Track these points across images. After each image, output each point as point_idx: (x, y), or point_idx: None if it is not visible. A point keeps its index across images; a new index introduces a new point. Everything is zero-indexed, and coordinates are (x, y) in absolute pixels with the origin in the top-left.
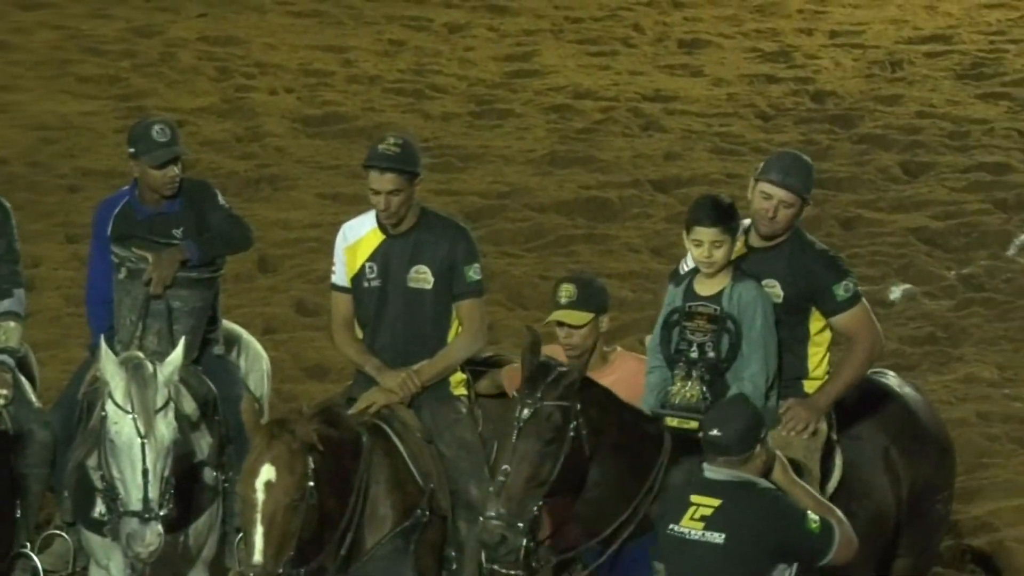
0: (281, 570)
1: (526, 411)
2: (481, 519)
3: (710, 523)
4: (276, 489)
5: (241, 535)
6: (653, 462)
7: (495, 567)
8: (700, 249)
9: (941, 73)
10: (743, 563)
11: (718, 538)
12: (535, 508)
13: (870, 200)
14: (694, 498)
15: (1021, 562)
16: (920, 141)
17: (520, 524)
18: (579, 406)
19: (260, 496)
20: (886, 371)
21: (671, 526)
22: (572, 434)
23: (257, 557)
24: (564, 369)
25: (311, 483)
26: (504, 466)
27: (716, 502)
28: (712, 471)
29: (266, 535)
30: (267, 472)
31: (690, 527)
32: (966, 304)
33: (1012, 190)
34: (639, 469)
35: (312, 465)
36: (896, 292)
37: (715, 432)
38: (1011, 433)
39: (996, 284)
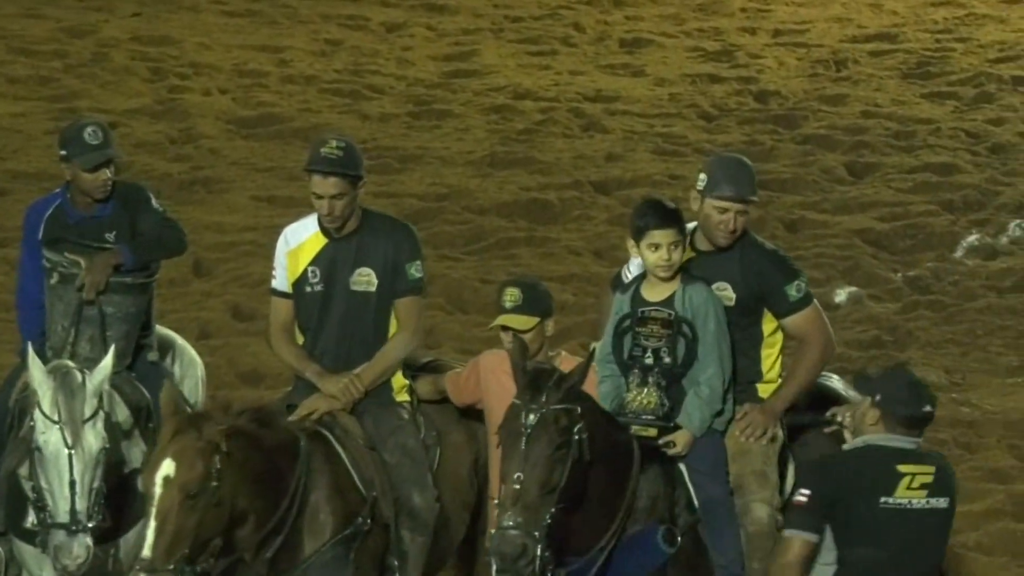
0: (172, 566)
1: (532, 416)
2: (493, 530)
3: (934, 490)
4: (173, 484)
5: None
6: (627, 472)
7: None
8: (658, 253)
9: (886, 72)
10: (952, 524)
11: (943, 503)
12: (548, 517)
13: (814, 201)
14: (903, 468)
15: (972, 570)
16: (865, 141)
17: (536, 533)
18: (580, 410)
19: (157, 490)
20: (830, 375)
21: (883, 500)
22: (577, 438)
23: (146, 552)
24: (564, 373)
25: (215, 483)
26: (516, 474)
27: (931, 469)
28: (908, 441)
29: (158, 530)
30: (166, 467)
31: (911, 496)
32: (912, 307)
33: (959, 191)
34: (617, 480)
35: (218, 464)
36: (841, 295)
37: (928, 408)
38: (959, 438)
39: (943, 286)
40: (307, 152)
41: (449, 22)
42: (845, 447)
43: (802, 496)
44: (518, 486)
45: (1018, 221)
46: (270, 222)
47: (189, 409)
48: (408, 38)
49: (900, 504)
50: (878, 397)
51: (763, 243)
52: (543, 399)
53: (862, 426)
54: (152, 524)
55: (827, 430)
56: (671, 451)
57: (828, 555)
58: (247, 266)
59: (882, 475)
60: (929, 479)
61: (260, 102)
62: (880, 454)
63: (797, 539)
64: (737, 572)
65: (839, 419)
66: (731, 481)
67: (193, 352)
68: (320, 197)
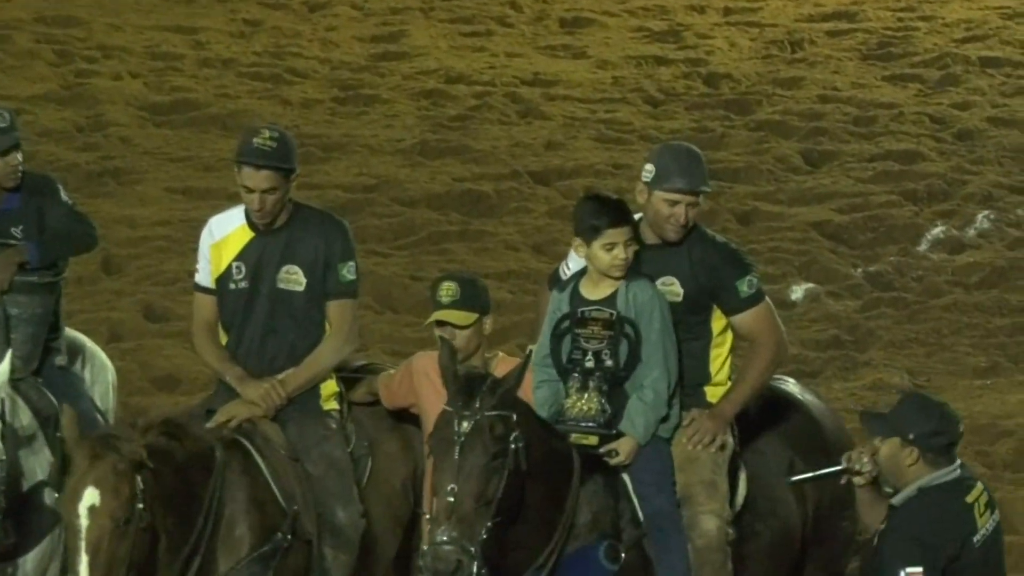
0: None
1: (465, 424)
2: (427, 546)
3: (990, 504)
4: (101, 513)
5: None
6: (567, 484)
7: None
8: (614, 252)
9: (845, 53)
10: None
11: (997, 517)
12: (484, 531)
13: (769, 192)
14: (969, 499)
15: None
16: (822, 128)
17: (472, 548)
18: (515, 416)
19: (84, 522)
20: (786, 378)
21: (975, 539)
22: (513, 447)
23: None
24: (497, 377)
25: (140, 505)
26: (450, 485)
27: (979, 484)
28: (954, 469)
29: (92, 563)
30: (90, 496)
31: (984, 522)
32: (873, 304)
33: (922, 180)
34: (555, 492)
35: (141, 485)
36: (797, 292)
37: (962, 428)
38: None
39: (906, 282)
40: (237, 142)
41: (376, 1)
42: (896, 501)
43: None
44: (452, 499)
45: (986, 212)
46: (185, 215)
47: (100, 418)
48: (332, 18)
49: (984, 535)
50: (911, 435)
51: (714, 236)
52: (476, 405)
53: (898, 469)
54: (84, 559)
55: (844, 480)
56: (614, 460)
57: None
58: (160, 263)
59: (961, 516)
60: (985, 496)
61: (174, 87)
62: (945, 496)
63: None
64: None
65: (856, 467)
66: (678, 492)
67: (104, 356)
68: (251, 191)
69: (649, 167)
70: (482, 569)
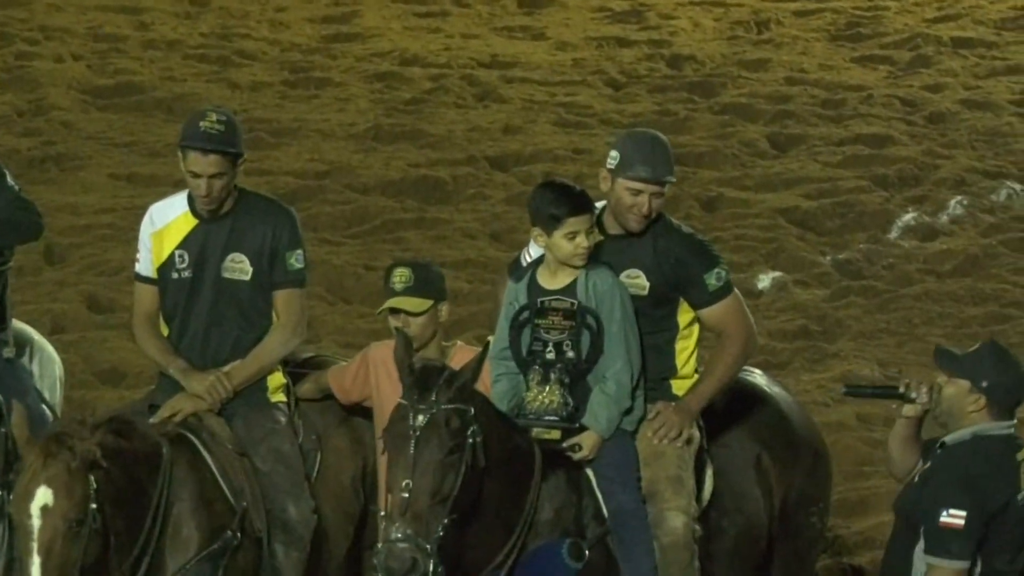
0: None
1: (421, 418)
2: (381, 543)
3: None
4: (54, 514)
5: None
6: (527, 480)
7: None
8: (576, 241)
9: (813, 34)
10: None
11: None
12: (440, 528)
13: (734, 177)
14: (1020, 456)
15: None
16: (790, 111)
17: (428, 546)
18: (473, 411)
19: (36, 522)
20: (752, 369)
21: (1020, 497)
22: (471, 441)
23: None
24: (454, 370)
25: (93, 505)
26: (404, 480)
27: None
28: (1010, 426)
29: (44, 565)
30: (43, 495)
31: None
32: (842, 293)
33: (893, 165)
34: (516, 488)
35: (95, 485)
36: (764, 280)
37: None
38: None
39: (876, 271)
40: (182, 126)
41: None
42: (949, 440)
43: (956, 519)
44: (407, 495)
45: (958, 198)
46: (130, 203)
47: (48, 412)
48: None
49: None
50: (984, 383)
51: (679, 226)
52: (432, 398)
53: (960, 412)
54: (36, 560)
55: (895, 407)
56: (577, 455)
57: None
58: (104, 252)
59: (1011, 472)
60: None
61: (118, 70)
62: (999, 448)
63: (949, 571)
64: None
65: (913, 395)
66: (644, 488)
67: (51, 349)
68: (197, 176)
69: (613, 154)
70: (438, 567)
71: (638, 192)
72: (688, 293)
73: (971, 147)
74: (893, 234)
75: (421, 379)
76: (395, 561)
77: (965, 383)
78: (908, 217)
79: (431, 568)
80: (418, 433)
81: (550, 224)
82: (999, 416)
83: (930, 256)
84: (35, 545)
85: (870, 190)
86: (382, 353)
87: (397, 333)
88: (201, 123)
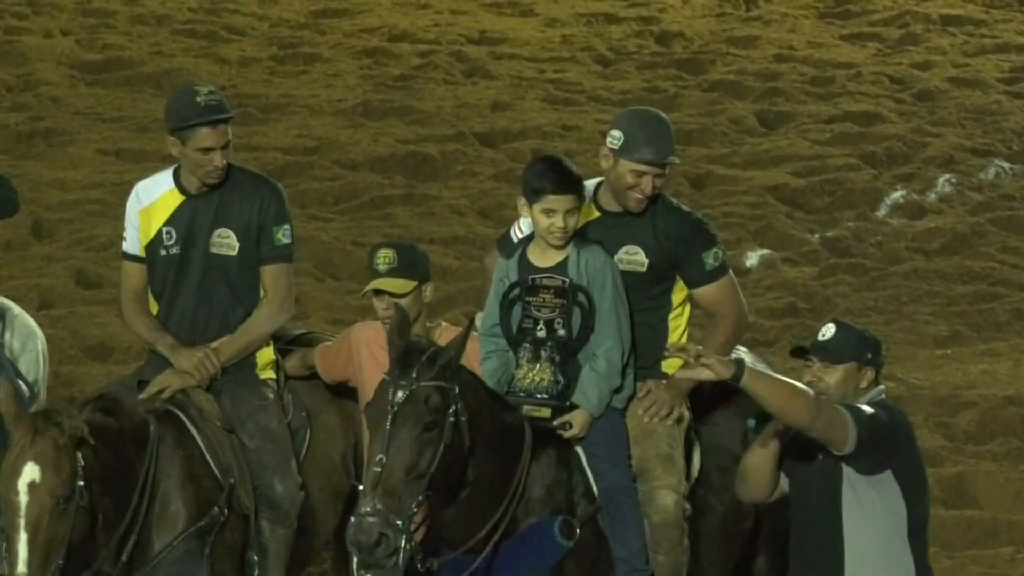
0: None
1: (400, 393)
2: (353, 517)
3: None
4: (41, 490)
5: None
6: (516, 458)
7: (369, 574)
8: (552, 219)
9: (801, 11)
10: None
11: None
12: (414, 505)
13: (723, 155)
14: None
15: None
16: (778, 88)
17: (399, 522)
18: (457, 389)
19: (23, 499)
20: (740, 347)
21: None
22: (452, 419)
23: (21, 568)
24: (439, 347)
25: (81, 482)
26: (378, 455)
27: None
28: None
29: (31, 542)
30: (30, 471)
31: None
32: (831, 271)
33: (881, 142)
34: (505, 466)
35: (82, 462)
36: (752, 258)
37: None
38: None
39: (864, 248)
40: (172, 109)
41: None
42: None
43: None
44: (379, 469)
45: (947, 176)
46: (118, 178)
47: (24, 388)
48: None
49: None
50: (868, 356)
51: (679, 205)
52: (413, 375)
53: (855, 392)
54: (23, 536)
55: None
56: (567, 433)
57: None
58: (93, 227)
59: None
60: None
61: (106, 44)
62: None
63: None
64: (640, 566)
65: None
66: (634, 466)
67: (32, 322)
68: (210, 150)
69: (617, 133)
70: (410, 542)
71: (642, 174)
72: (685, 271)
73: (960, 125)
74: (881, 212)
75: (404, 356)
76: (363, 535)
77: (851, 365)
78: (896, 195)
79: (402, 543)
80: (395, 409)
81: (532, 196)
82: (880, 381)
83: (918, 234)
84: (22, 521)
85: (859, 168)
86: (365, 333)
87: (395, 308)
88: (197, 99)
